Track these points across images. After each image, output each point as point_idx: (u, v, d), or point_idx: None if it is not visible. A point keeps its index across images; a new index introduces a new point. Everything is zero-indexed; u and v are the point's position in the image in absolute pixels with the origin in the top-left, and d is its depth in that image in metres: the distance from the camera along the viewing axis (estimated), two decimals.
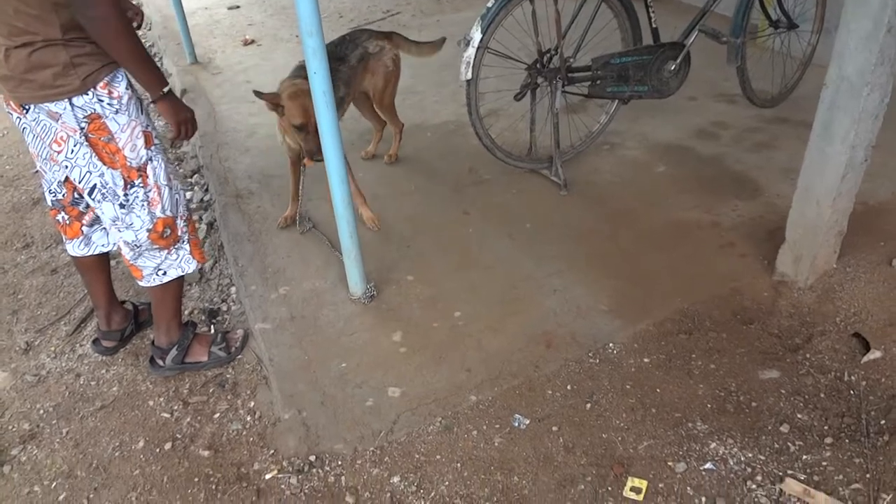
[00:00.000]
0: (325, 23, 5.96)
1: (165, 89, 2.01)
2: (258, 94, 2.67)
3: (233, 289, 2.89)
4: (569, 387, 2.29)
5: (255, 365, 2.49)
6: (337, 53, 3.09)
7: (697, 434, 2.10)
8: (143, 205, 2.13)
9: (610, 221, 3.04)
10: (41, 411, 2.41)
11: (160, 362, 2.45)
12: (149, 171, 2.10)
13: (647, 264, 2.77)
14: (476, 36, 2.96)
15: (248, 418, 2.30)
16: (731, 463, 2.00)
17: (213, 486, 2.09)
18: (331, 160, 2.33)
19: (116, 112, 1.97)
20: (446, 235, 3.02)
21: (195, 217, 3.41)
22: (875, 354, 2.29)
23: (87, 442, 2.28)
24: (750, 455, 2.02)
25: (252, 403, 2.35)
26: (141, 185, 2.10)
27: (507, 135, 3.49)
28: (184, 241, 2.29)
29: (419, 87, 4.39)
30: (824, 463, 1.97)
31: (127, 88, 1.99)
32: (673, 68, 3.30)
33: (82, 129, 1.96)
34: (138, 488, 2.11)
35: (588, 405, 2.22)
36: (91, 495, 2.10)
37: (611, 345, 2.43)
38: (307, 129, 2.68)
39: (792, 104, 3.82)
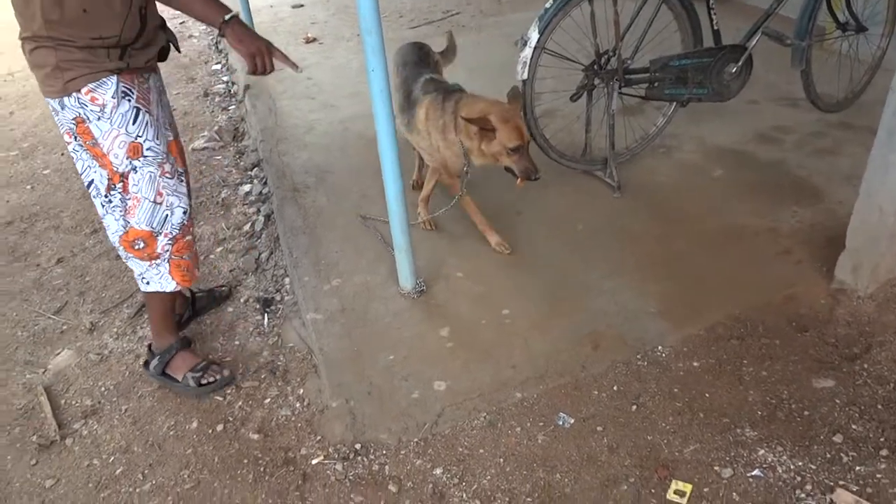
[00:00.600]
0: (385, 22, 6.03)
1: (227, 16, 2.00)
2: (469, 119, 2.61)
3: (287, 279, 2.96)
4: (615, 388, 2.28)
5: (305, 354, 2.56)
6: (427, 61, 3.19)
7: (746, 440, 2.07)
8: (118, 210, 2.15)
9: (663, 225, 3.00)
10: (102, 388, 2.52)
11: (149, 363, 2.50)
12: (130, 179, 2.09)
13: (700, 269, 2.73)
14: (533, 36, 2.97)
15: (297, 405, 2.36)
16: (780, 471, 1.96)
17: (262, 469, 2.15)
18: (385, 157, 2.36)
19: (98, 118, 2.00)
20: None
21: (254, 209, 3.51)
22: None
23: (144, 420, 2.37)
24: (800, 464, 1.98)
25: (301, 391, 2.41)
26: (121, 189, 2.12)
27: (562, 135, 3.48)
28: (163, 260, 2.26)
29: (475, 85, 4.40)
30: (878, 475, 1.91)
31: (114, 97, 1.97)
32: (734, 71, 3.24)
33: (72, 128, 2.04)
34: (190, 466, 2.19)
35: (634, 407, 2.20)
36: (146, 471, 2.19)
37: (659, 347, 2.41)
38: (521, 149, 2.64)
39: (858, 109, 3.71)
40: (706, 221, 2.98)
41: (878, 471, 1.92)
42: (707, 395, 2.23)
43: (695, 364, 2.34)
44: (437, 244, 2.99)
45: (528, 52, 2.98)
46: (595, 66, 3.12)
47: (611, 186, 3.26)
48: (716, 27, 3.27)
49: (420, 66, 3.09)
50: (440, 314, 2.61)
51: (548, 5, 2.97)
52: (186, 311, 2.72)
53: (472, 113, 2.64)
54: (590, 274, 2.76)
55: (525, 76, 3.00)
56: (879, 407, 2.14)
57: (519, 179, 2.70)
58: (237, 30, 2.04)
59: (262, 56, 2.07)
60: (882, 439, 2.03)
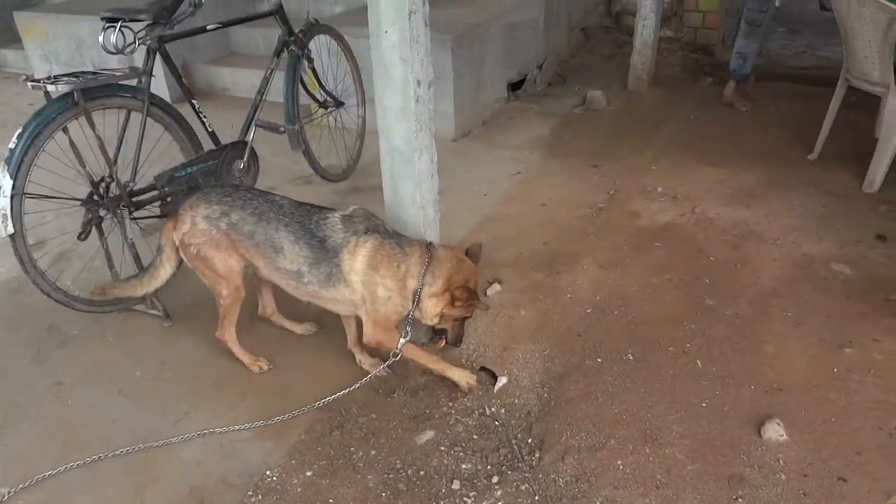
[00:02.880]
0: None
1: None
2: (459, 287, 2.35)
3: None
4: None
5: None
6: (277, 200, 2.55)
7: None
8: None
9: None
10: None
11: None
12: None
13: (281, 368, 2.63)
14: (6, 184, 2.53)
15: None
16: None
17: None
18: None
19: None
20: (41, 419, 2.48)
21: None
22: (502, 381, 2.47)
23: None
24: None
25: None
26: None
27: (86, 277, 3.05)
28: None
29: None
30: (499, 503, 2.04)
31: None
32: (242, 167, 3.26)
33: None
34: None
35: None
36: None
37: (268, 472, 2.22)
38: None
39: (361, 173, 4.08)
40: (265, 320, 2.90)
41: (497, 499, 2.04)
42: (331, 500, 2.12)
43: (308, 473, 2.22)
44: None
45: (4, 203, 2.52)
46: (95, 197, 2.80)
47: (159, 317, 2.96)
48: (210, 129, 3.24)
49: (289, 204, 2.45)
50: None
51: (12, 145, 2.56)
52: None
53: (461, 280, 2.36)
54: (166, 421, 2.44)
55: (11, 230, 2.54)
56: (475, 437, 2.30)
57: (444, 342, 2.53)
58: None
59: None
60: (489, 467, 2.18)
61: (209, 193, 2.47)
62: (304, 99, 3.72)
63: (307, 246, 2.35)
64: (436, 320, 2.41)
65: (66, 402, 2.58)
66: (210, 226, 2.40)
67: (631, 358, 2.43)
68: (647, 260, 3.01)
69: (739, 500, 1.90)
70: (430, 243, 2.39)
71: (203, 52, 5.71)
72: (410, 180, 2.38)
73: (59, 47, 5.87)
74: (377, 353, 2.59)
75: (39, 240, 2.70)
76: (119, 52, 2.86)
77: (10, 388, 2.63)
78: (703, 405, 2.21)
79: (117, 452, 2.30)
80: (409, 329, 2.38)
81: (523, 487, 2.06)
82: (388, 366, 2.49)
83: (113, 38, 2.84)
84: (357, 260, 2.31)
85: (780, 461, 2.00)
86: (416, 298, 2.34)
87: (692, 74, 5.57)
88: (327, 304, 2.47)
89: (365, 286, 2.34)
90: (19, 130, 2.58)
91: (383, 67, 2.26)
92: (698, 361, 2.39)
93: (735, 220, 3.30)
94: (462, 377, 2.45)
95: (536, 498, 2.01)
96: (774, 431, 2.05)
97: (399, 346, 2.38)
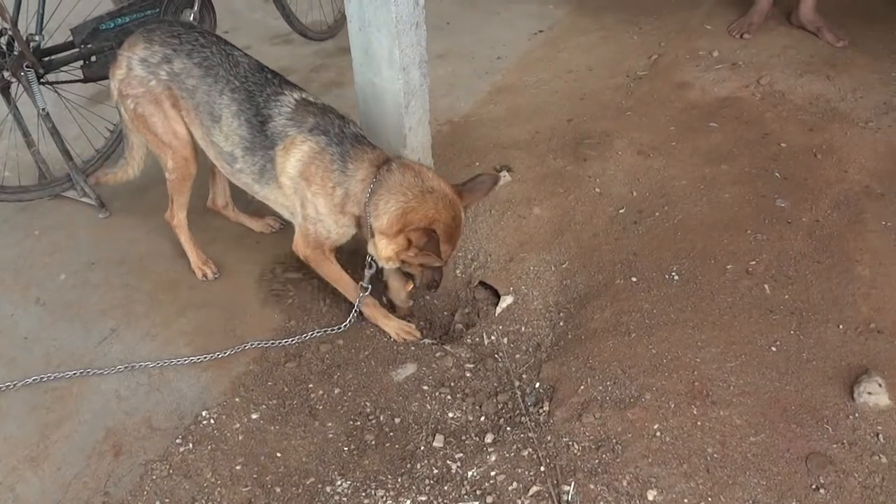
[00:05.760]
0: None
1: None
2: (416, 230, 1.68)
3: None
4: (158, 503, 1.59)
5: None
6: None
7: (339, 498, 1.56)
8: None
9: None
10: None
11: None
12: None
13: (231, 277, 2.14)
14: None
15: None
16: None
17: None
18: None
19: None
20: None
21: None
22: (506, 301, 1.96)
23: None
24: (408, 502, 1.52)
25: None
26: None
27: (16, 155, 2.53)
28: None
29: None
30: (493, 473, 1.55)
31: None
32: (192, 18, 2.61)
33: None
34: None
35: None
36: None
37: (204, 413, 1.79)
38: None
39: None
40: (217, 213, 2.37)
41: (490, 467, 1.56)
42: (279, 454, 1.69)
43: (254, 416, 1.78)
44: None
45: None
46: None
47: (93, 206, 2.43)
48: None
49: (248, 66, 1.85)
50: None
51: None
52: None
53: (421, 218, 1.67)
54: (89, 340, 2.02)
55: None
56: (468, 375, 1.83)
57: (412, 286, 1.98)
58: None
59: None
60: (482, 419, 1.71)
61: (153, 31, 1.95)
62: None
63: (247, 124, 1.80)
64: (391, 265, 1.80)
65: None
66: (148, 73, 1.90)
67: (676, 278, 1.87)
68: (699, 145, 2.38)
69: (821, 490, 1.38)
70: (389, 161, 1.74)
71: None
72: (385, 30, 1.75)
73: None
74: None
75: None
76: None
77: None
78: (773, 349, 1.65)
79: (26, 381, 1.87)
80: (366, 282, 1.88)
81: (525, 453, 1.56)
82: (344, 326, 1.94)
83: None
84: (289, 161, 1.77)
85: (880, 437, 1.46)
86: (369, 229, 1.75)
87: None
88: (266, 202, 1.94)
89: (296, 195, 1.80)
90: None
91: None
92: (766, 287, 1.81)
93: (812, 94, 2.62)
94: (395, 328, 1.96)
95: (542, 469, 1.52)
96: (872, 392, 1.51)
97: (358, 300, 1.90)
